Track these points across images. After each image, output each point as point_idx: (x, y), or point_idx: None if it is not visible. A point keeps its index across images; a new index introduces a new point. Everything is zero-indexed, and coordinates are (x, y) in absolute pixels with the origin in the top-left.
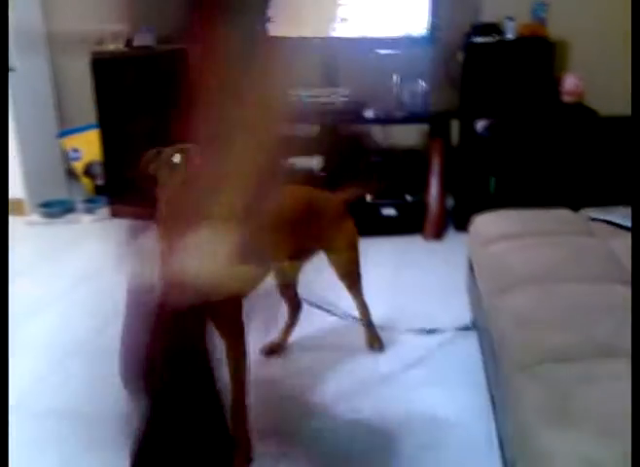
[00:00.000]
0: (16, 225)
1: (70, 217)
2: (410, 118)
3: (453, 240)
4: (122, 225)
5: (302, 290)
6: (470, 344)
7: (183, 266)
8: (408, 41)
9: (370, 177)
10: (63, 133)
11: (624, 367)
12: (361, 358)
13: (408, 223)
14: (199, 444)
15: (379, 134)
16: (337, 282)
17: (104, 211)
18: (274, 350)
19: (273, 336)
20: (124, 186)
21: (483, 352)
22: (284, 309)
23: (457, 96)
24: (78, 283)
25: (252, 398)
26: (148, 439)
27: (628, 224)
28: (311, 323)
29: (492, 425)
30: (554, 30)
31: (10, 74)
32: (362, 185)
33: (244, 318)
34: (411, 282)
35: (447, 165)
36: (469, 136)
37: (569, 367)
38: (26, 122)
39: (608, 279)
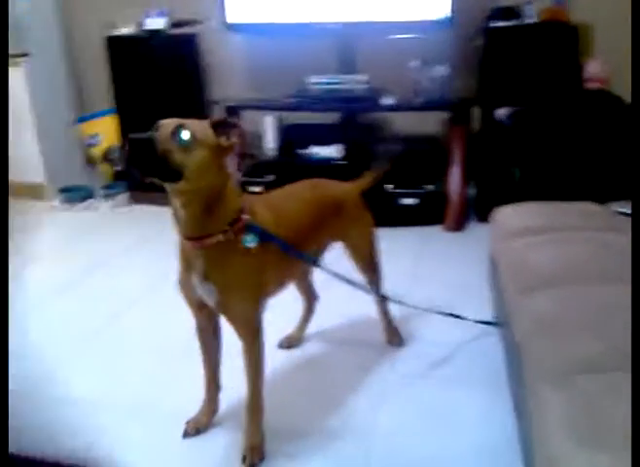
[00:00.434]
0: (35, 210)
1: (89, 203)
2: (430, 105)
3: (475, 232)
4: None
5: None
6: (492, 342)
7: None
8: (427, 25)
9: (387, 165)
10: (82, 119)
11: None
12: (379, 354)
13: (429, 213)
14: None
15: (398, 122)
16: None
17: (123, 197)
18: (291, 344)
19: (290, 329)
20: None
21: (506, 351)
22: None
23: (477, 83)
24: (95, 269)
25: (266, 393)
26: None
27: None
28: (329, 317)
29: (514, 431)
30: (576, 14)
31: (25, 59)
32: (376, 171)
33: (262, 318)
34: (431, 274)
35: (469, 154)
36: (490, 124)
37: (597, 379)
38: (45, 106)
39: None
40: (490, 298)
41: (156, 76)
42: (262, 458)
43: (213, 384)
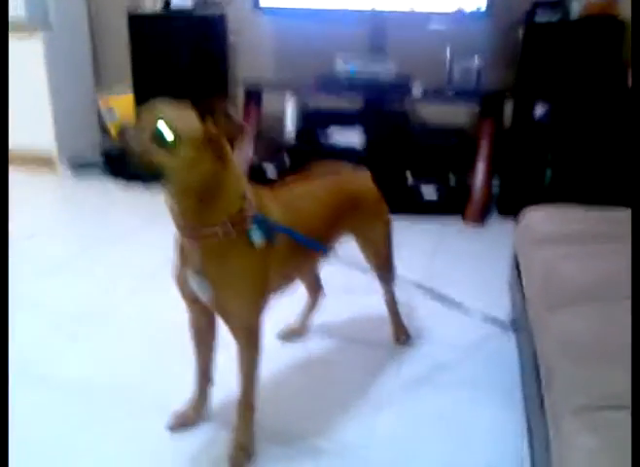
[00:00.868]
0: (45, 181)
1: (101, 176)
2: (461, 96)
3: (496, 227)
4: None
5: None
6: (506, 347)
7: None
8: (464, 15)
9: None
10: (102, 92)
11: None
12: (385, 354)
13: (450, 205)
14: None
15: (426, 112)
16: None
17: None
18: (291, 336)
19: (292, 318)
20: None
21: (522, 361)
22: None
23: (513, 76)
24: (101, 245)
25: (261, 389)
26: None
27: None
28: (334, 310)
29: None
30: (627, 8)
31: (46, 30)
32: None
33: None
34: (447, 269)
35: (496, 148)
36: (523, 120)
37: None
38: (62, 79)
39: None
40: (509, 301)
41: (177, 56)
42: (249, 459)
43: (204, 378)
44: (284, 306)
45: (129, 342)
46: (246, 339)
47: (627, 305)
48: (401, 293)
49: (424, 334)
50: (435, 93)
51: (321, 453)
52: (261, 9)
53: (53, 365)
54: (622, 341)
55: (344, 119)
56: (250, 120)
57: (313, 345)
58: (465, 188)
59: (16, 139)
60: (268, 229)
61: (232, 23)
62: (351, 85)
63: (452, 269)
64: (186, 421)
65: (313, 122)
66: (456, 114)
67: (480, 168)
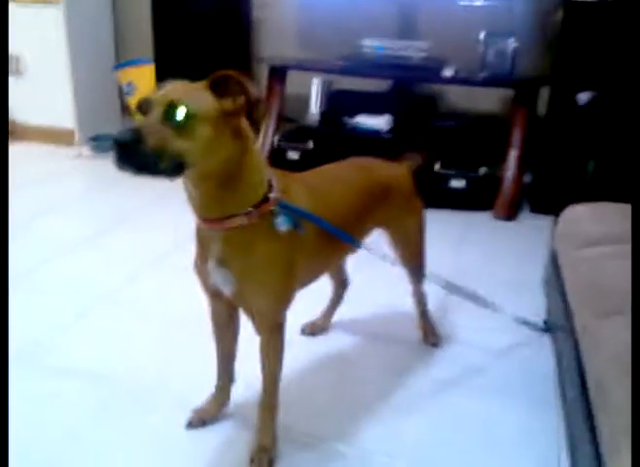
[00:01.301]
0: (63, 156)
1: None
2: (494, 80)
3: (527, 223)
4: None
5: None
6: (540, 351)
7: None
8: None
9: (436, 144)
10: (120, 66)
11: None
12: (412, 353)
13: (479, 198)
14: None
15: (456, 96)
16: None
17: None
18: (315, 331)
19: (315, 314)
20: None
21: (561, 369)
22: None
23: (549, 60)
24: (118, 224)
25: (282, 386)
26: None
27: None
28: (359, 306)
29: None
30: None
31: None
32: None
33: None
34: (475, 265)
35: (530, 138)
36: (561, 107)
37: None
38: (82, 49)
39: None
40: (545, 303)
41: (200, 28)
42: (271, 462)
43: (225, 375)
44: (306, 299)
45: (147, 331)
46: (270, 334)
47: None
48: (430, 290)
49: (453, 334)
50: (467, 77)
51: (344, 459)
52: None
53: (67, 353)
54: None
55: (371, 101)
56: (273, 99)
57: (337, 342)
58: (495, 180)
59: (34, 114)
60: (295, 216)
61: None
62: (379, 65)
63: (481, 265)
64: (206, 418)
65: (338, 103)
66: (489, 100)
67: (512, 159)
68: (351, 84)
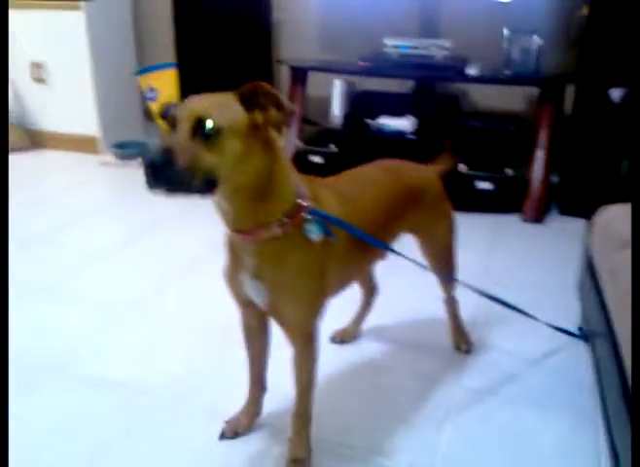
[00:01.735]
0: (88, 163)
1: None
2: (519, 78)
3: (556, 225)
4: None
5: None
6: (576, 360)
7: None
8: None
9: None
10: (141, 71)
11: None
12: (444, 361)
13: (506, 200)
14: None
15: (481, 95)
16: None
17: None
18: (344, 339)
19: (345, 321)
20: None
21: (601, 380)
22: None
23: (575, 57)
24: (144, 232)
25: (316, 397)
26: None
27: None
28: (389, 312)
29: None
30: None
31: (88, 4)
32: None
33: (318, 323)
34: (504, 269)
35: (557, 137)
36: (587, 105)
37: None
38: (104, 55)
39: None
40: (580, 308)
41: (222, 31)
42: None
43: (258, 385)
44: (335, 307)
45: (177, 340)
46: (303, 345)
47: None
48: (461, 296)
49: (486, 341)
50: (492, 75)
51: None
52: None
53: (98, 364)
54: None
55: (394, 102)
56: (295, 102)
57: (367, 350)
58: (522, 181)
59: (58, 121)
60: (326, 223)
61: None
62: (401, 65)
63: (511, 269)
64: (238, 429)
65: (361, 105)
66: (514, 98)
67: (539, 160)
68: (373, 84)
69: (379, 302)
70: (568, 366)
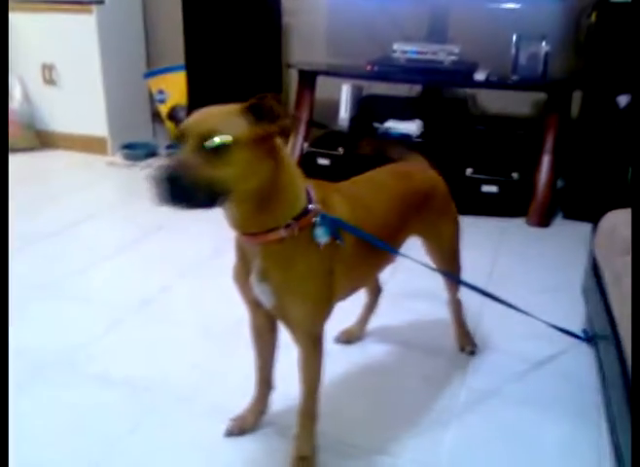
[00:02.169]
0: (96, 164)
1: (151, 161)
2: (526, 84)
3: (561, 229)
4: None
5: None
6: (580, 362)
7: None
8: None
9: (468, 148)
10: (151, 73)
11: None
12: (448, 362)
13: (511, 204)
14: None
15: (488, 100)
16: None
17: None
18: (349, 339)
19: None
20: None
21: (605, 382)
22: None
23: (582, 63)
24: (151, 232)
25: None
26: None
27: None
28: (394, 313)
29: None
30: None
31: (98, 7)
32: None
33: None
34: (510, 273)
35: (563, 142)
36: (593, 111)
37: None
38: (114, 57)
39: None
40: (584, 311)
41: (231, 35)
42: None
43: (264, 384)
44: (339, 307)
45: (184, 338)
46: (309, 346)
47: None
48: (466, 297)
49: (490, 343)
50: (499, 80)
51: None
52: None
53: (104, 361)
54: None
55: (401, 106)
56: (303, 105)
57: (372, 351)
58: (528, 185)
59: (67, 122)
60: (334, 227)
61: (287, 2)
62: (409, 70)
63: (516, 272)
64: (244, 426)
65: (368, 109)
66: (521, 103)
67: (545, 164)
68: (381, 88)
69: (384, 303)
70: (572, 368)
